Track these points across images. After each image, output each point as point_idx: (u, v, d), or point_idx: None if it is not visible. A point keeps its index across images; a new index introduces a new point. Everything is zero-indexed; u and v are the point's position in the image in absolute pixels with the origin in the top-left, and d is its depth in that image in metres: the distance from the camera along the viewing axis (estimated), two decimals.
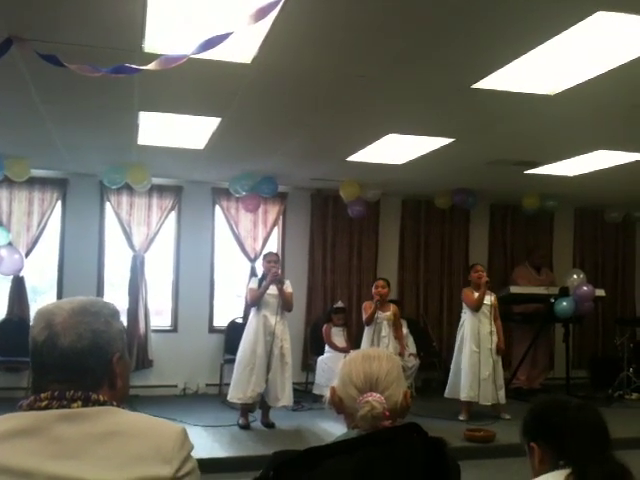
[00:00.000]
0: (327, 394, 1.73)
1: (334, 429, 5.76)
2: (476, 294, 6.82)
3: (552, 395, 2.15)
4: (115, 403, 1.39)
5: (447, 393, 6.91)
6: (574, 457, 1.75)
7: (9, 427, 1.30)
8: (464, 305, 6.98)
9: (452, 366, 6.94)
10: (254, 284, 6.35)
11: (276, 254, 6.66)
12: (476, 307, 6.77)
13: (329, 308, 8.17)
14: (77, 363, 1.37)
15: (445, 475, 1.53)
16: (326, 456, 1.52)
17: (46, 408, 1.32)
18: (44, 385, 1.36)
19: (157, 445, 1.31)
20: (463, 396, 6.69)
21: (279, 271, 6.35)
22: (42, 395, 1.34)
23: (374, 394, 1.61)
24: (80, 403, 1.33)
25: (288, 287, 6.41)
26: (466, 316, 6.91)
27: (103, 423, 1.32)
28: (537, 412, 1.96)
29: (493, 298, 6.91)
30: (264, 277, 6.34)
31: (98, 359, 1.40)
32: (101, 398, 1.36)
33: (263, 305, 6.27)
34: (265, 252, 6.97)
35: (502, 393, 6.76)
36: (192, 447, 1.37)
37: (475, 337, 6.75)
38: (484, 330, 6.76)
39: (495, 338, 6.76)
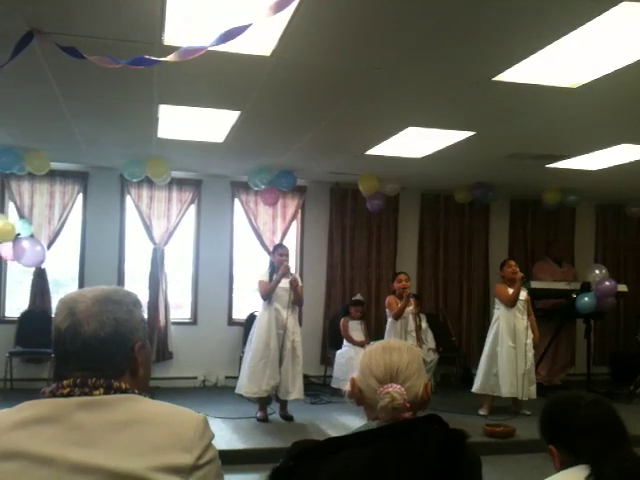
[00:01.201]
0: (347, 386, 1.72)
1: (352, 422, 5.76)
2: (510, 290, 6.75)
3: (563, 392, 2.10)
4: (137, 391, 1.39)
5: (478, 389, 6.81)
6: (590, 456, 1.71)
7: (31, 414, 1.31)
8: (497, 301, 6.90)
9: (484, 362, 6.82)
10: (265, 276, 6.34)
11: (287, 247, 6.65)
12: (512, 303, 6.69)
13: (347, 301, 8.17)
14: (99, 351, 1.38)
15: (463, 467, 1.52)
16: (345, 446, 1.52)
17: (68, 395, 1.33)
18: (66, 373, 1.37)
19: (178, 433, 1.32)
20: (504, 392, 6.60)
21: (289, 264, 6.34)
22: (64, 382, 1.35)
23: (394, 385, 1.60)
24: (102, 390, 1.34)
25: (298, 281, 6.42)
26: (500, 312, 6.82)
27: (124, 411, 1.32)
28: (548, 413, 1.92)
29: (526, 293, 6.86)
30: (273, 269, 6.34)
31: (120, 347, 1.41)
32: (123, 386, 1.37)
33: (275, 298, 6.27)
34: (276, 244, 6.99)
35: (534, 388, 6.69)
36: (213, 436, 1.37)
37: (511, 333, 6.68)
38: (520, 326, 6.69)
39: (531, 333, 6.70)
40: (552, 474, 1.82)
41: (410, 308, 6.73)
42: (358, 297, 8.10)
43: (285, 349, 6.23)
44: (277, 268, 6.29)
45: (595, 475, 1.66)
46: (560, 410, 1.89)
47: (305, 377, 6.81)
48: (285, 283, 6.26)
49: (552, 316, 8.26)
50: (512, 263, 6.91)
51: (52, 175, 7.51)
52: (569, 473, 1.74)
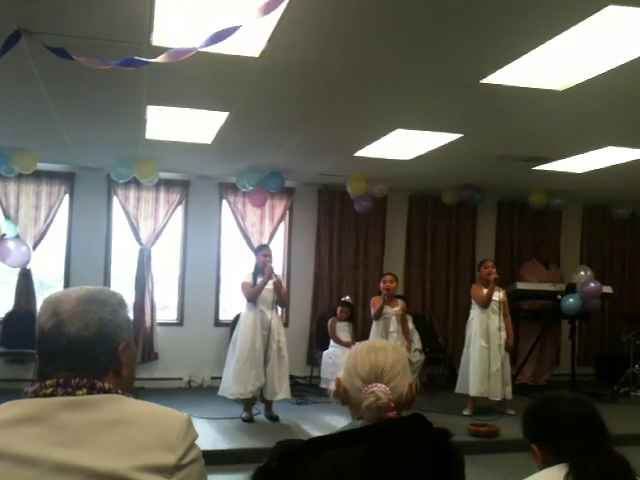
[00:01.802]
0: (332, 386, 1.73)
1: (338, 423, 5.74)
2: (485, 290, 6.80)
3: (546, 392, 2.12)
4: (120, 391, 1.39)
5: (457, 388, 6.90)
6: (571, 454, 1.72)
7: (14, 414, 1.30)
8: (473, 301, 6.96)
9: (462, 362, 6.94)
10: (248, 278, 6.32)
11: (270, 248, 6.63)
12: (485, 303, 6.75)
13: (335, 302, 8.17)
14: (83, 351, 1.37)
15: (449, 466, 1.53)
16: (330, 446, 1.53)
17: (51, 395, 1.33)
18: (50, 373, 1.37)
19: (161, 433, 1.32)
20: (473, 392, 6.67)
21: (273, 265, 6.32)
22: (47, 382, 1.34)
23: (379, 385, 1.61)
24: (85, 391, 1.34)
25: (282, 283, 6.43)
26: (475, 312, 6.89)
27: (108, 411, 1.32)
28: (531, 412, 1.93)
29: (502, 294, 6.89)
30: (257, 270, 6.32)
31: (104, 347, 1.40)
32: (106, 386, 1.37)
33: (260, 300, 6.26)
34: (259, 245, 6.97)
35: (509, 389, 6.75)
36: (196, 436, 1.37)
37: (484, 333, 6.74)
38: (493, 326, 6.75)
39: (504, 334, 6.74)
40: (535, 473, 1.84)
41: (395, 309, 6.73)
42: (347, 299, 8.11)
43: (270, 350, 6.23)
44: (261, 269, 6.28)
45: (574, 473, 1.67)
46: (542, 409, 1.91)
47: (291, 377, 6.81)
48: (269, 284, 6.25)
49: (538, 317, 8.32)
50: (488, 264, 6.95)
51: (38, 176, 7.46)
52: (550, 472, 1.75)
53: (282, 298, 6.38)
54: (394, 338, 6.58)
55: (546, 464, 1.81)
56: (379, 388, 1.60)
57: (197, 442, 1.38)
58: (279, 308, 6.47)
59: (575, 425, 1.80)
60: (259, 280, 6.26)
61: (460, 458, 1.57)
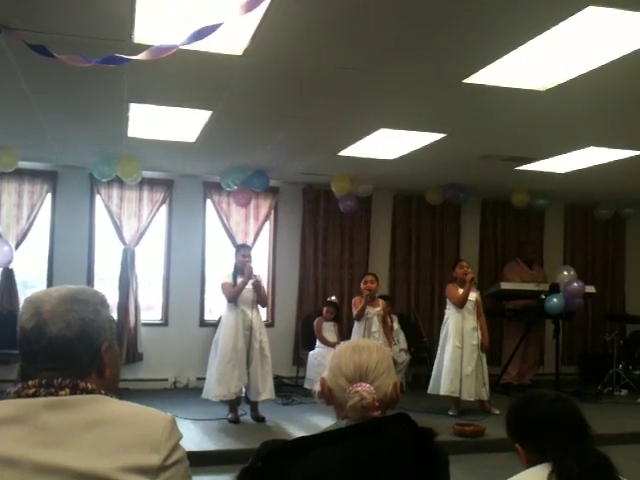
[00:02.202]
0: (317, 386, 1.73)
1: (324, 423, 5.72)
2: (461, 290, 6.81)
3: (528, 391, 2.13)
4: (103, 392, 1.37)
5: (430, 389, 6.87)
6: (553, 452, 1.72)
7: None
8: (448, 301, 6.97)
9: (435, 362, 6.91)
10: (229, 278, 6.29)
11: (249, 247, 6.60)
12: (461, 303, 6.76)
13: (320, 302, 8.17)
14: (65, 351, 1.36)
15: (432, 465, 1.53)
16: (314, 446, 1.52)
17: (33, 396, 1.31)
18: (32, 373, 1.35)
19: (145, 433, 1.30)
20: (442, 391, 6.64)
21: (252, 265, 6.30)
22: (30, 382, 1.33)
23: (364, 384, 1.61)
24: (68, 391, 1.33)
25: (261, 282, 6.40)
26: (450, 312, 6.89)
27: (90, 411, 1.31)
28: (513, 411, 1.94)
29: (477, 294, 6.91)
30: (237, 270, 6.30)
31: (86, 347, 1.39)
32: (89, 386, 1.35)
33: (240, 300, 6.24)
34: (239, 245, 6.95)
35: (485, 389, 6.73)
36: (181, 436, 1.36)
37: (459, 333, 6.73)
38: (468, 326, 6.75)
39: (479, 334, 6.76)
40: (520, 472, 1.84)
41: (377, 309, 6.73)
42: (332, 299, 8.10)
43: (253, 350, 6.20)
44: (240, 269, 6.26)
45: (556, 471, 1.68)
46: (523, 408, 1.92)
47: (277, 378, 6.80)
48: (249, 284, 6.23)
49: (522, 317, 8.36)
50: (464, 264, 6.97)
51: (20, 174, 7.39)
52: (534, 471, 1.75)
53: (262, 297, 6.37)
54: (376, 338, 6.57)
55: (530, 463, 1.82)
56: (363, 388, 1.60)
57: (183, 443, 1.36)
58: (260, 307, 6.44)
59: (556, 423, 1.81)
60: (239, 280, 6.23)
61: (444, 457, 1.57)
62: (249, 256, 6.34)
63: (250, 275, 6.18)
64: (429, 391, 6.88)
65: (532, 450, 1.82)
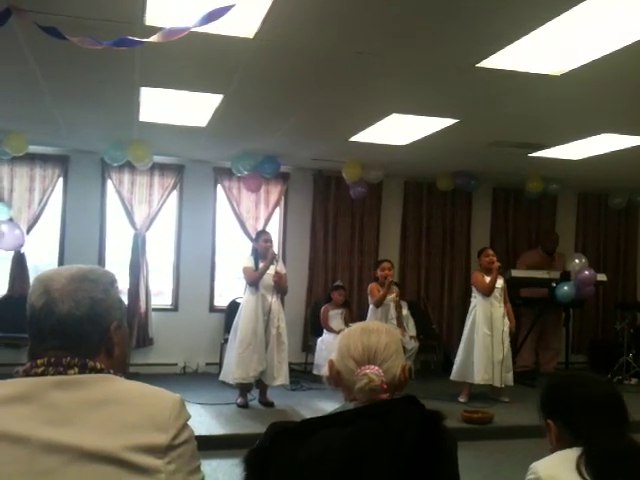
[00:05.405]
0: (325, 370, 1.72)
1: (332, 408, 5.76)
2: (487, 278, 6.78)
3: (570, 372, 2.12)
4: (112, 371, 1.38)
5: (455, 376, 6.84)
6: (586, 435, 1.71)
7: (4, 393, 1.29)
8: (474, 289, 6.93)
9: (462, 349, 6.86)
10: (249, 263, 6.32)
11: (270, 233, 6.62)
12: (488, 292, 6.72)
13: (330, 289, 8.17)
14: (74, 330, 1.36)
15: (439, 448, 1.52)
16: (322, 427, 1.52)
17: (42, 374, 1.32)
18: (41, 352, 1.36)
19: (153, 413, 1.31)
20: (478, 379, 6.62)
21: (275, 250, 6.35)
22: (38, 361, 1.33)
23: (372, 367, 1.61)
24: (77, 370, 1.33)
25: (282, 269, 6.41)
26: (477, 300, 6.85)
27: (99, 390, 1.31)
28: (552, 387, 1.93)
29: (502, 281, 6.90)
30: (257, 255, 6.32)
31: (96, 327, 1.39)
32: (98, 366, 1.36)
33: (261, 284, 6.26)
34: (259, 231, 6.96)
35: (510, 375, 6.74)
36: (189, 416, 1.36)
37: (488, 321, 6.71)
38: (497, 314, 6.73)
39: (507, 321, 6.75)
40: (529, 460, 1.81)
41: (392, 296, 6.75)
42: (338, 282, 8.11)
43: (269, 335, 6.22)
44: (263, 254, 6.27)
45: (587, 454, 1.67)
46: (564, 385, 1.91)
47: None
48: (271, 269, 6.24)
49: (532, 305, 8.32)
50: (490, 252, 6.94)
51: (32, 159, 7.42)
52: (565, 453, 1.73)
53: (282, 287, 6.38)
54: (394, 325, 6.59)
55: (560, 442, 1.80)
56: (372, 370, 1.60)
57: (191, 426, 1.36)
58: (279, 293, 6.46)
59: (595, 404, 1.79)
60: (260, 265, 6.25)
61: (451, 439, 1.56)
62: (270, 241, 6.37)
63: (272, 260, 6.20)
64: (453, 378, 6.85)
65: (565, 429, 1.80)
